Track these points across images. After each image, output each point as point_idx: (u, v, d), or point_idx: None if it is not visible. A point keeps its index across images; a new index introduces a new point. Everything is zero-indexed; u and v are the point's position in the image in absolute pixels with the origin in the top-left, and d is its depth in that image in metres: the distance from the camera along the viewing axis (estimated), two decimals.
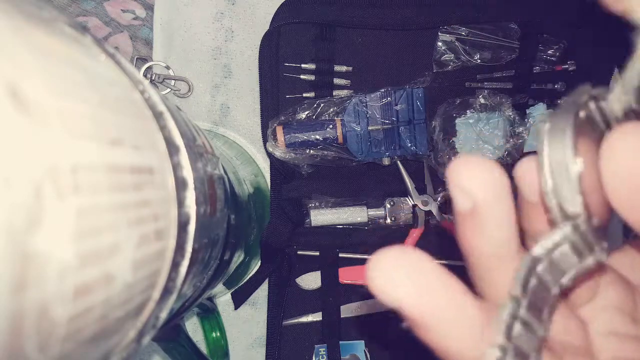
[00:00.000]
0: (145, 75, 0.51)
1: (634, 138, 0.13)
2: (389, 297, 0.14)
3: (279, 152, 0.48)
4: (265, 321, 0.50)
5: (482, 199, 0.14)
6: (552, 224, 0.15)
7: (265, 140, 0.49)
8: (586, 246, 0.15)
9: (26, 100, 0.13)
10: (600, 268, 0.17)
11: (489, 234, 0.15)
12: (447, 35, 0.49)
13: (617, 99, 0.15)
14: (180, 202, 0.21)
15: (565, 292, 0.17)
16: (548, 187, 0.14)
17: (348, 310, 0.50)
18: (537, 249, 0.15)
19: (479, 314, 0.15)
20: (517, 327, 0.14)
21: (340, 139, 0.48)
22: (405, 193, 0.50)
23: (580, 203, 0.14)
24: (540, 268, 0.15)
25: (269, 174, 0.51)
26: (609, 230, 0.16)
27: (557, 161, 0.14)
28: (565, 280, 0.15)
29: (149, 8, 0.52)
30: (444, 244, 0.51)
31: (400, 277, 0.14)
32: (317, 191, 0.51)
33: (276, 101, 0.50)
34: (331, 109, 0.49)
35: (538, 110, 0.50)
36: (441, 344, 0.15)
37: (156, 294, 0.20)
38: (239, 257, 0.43)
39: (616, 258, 0.19)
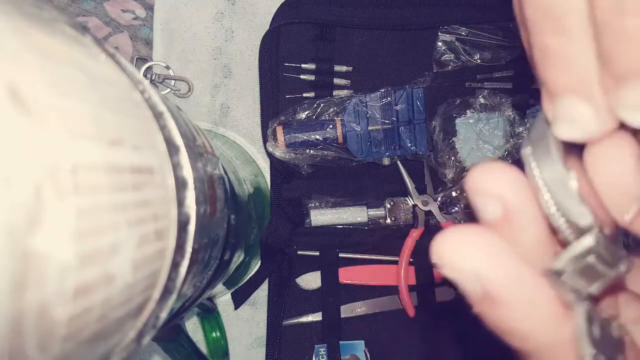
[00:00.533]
0: (145, 75, 0.51)
1: (614, 144, 0.14)
2: (465, 269, 0.14)
3: (279, 152, 0.48)
4: (265, 321, 0.50)
5: (513, 203, 0.14)
6: (564, 244, 0.15)
7: (265, 140, 0.49)
8: (609, 255, 0.14)
9: (26, 100, 0.13)
10: (619, 283, 0.17)
11: (523, 238, 0.15)
12: (447, 35, 0.49)
13: None
14: (180, 202, 0.21)
15: None
16: (551, 209, 0.14)
17: (348, 310, 0.50)
18: (558, 263, 0.14)
19: (554, 298, 0.14)
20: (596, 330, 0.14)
21: (340, 139, 0.48)
22: (405, 193, 0.50)
23: (589, 213, 0.14)
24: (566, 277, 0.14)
25: (269, 174, 0.51)
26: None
27: (552, 180, 0.14)
28: (593, 289, 0.14)
29: (149, 8, 0.52)
30: None
31: (479, 250, 0.14)
32: (317, 191, 0.51)
33: (276, 101, 0.50)
34: (331, 109, 0.49)
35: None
36: (515, 324, 0.14)
37: (156, 294, 0.20)
38: (239, 257, 0.43)
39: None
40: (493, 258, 0.14)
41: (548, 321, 0.14)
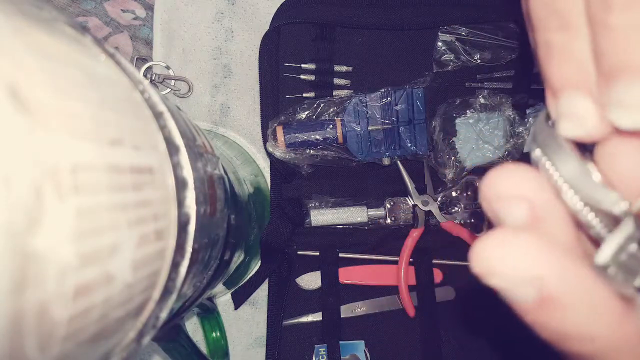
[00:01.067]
0: (145, 75, 0.51)
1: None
2: (517, 275, 0.13)
3: (279, 152, 0.48)
4: (265, 321, 0.50)
5: (540, 203, 0.13)
6: (597, 240, 0.14)
7: (265, 140, 0.49)
8: None
9: (26, 100, 0.13)
10: None
11: (557, 239, 0.14)
12: (447, 35, 0.49)
13: None
14: (180, 202, 0.21)
15: None
16: (578, 205, 0.13)
17: (348, 310, 0.50)
18: (602, 256, 0.13)
19: (613, 293, 0.13)
20: None
21: (340, 139, 0.48)
22: (405, 193, 0.50)
23: (620, 199, 0.13)
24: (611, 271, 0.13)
25: (269, 174, 0.51)
26: None
27: (572, 176, 0.14)
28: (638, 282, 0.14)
29: (149, 8, 0.52)
30: (444, 244, 0.51)
31: (529, 253, 0.13)
32: (317, 191, 0.51)
33: (276, 101, 0.50)
34: (331, 109, 0.49)
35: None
36: (576, 326, 0.13)
37: (156, 294, 0.20)
38: (239, 257, 0.43)
39: None
40: (546, 259, 0.13)
41: (611, 319, 0.13)
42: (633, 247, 0.13)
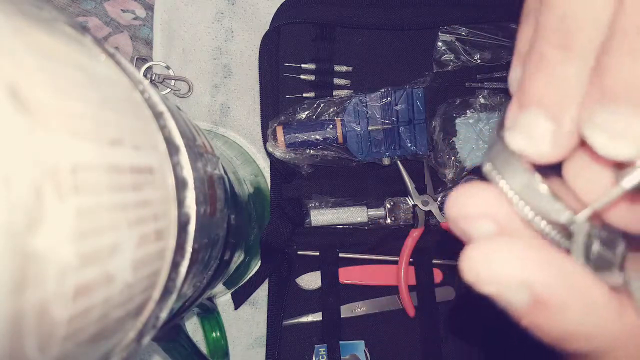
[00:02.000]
0: (145, 75, 0.51)
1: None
2: (508, 280, 0.13)
3: (279, 152, 0.48)
4: (265, 321, 0.50)
5: (502, 216, 0.14)
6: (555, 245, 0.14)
7: (265, 140, 0.49)
8: (608, 238, 0.14)
9: (26, 100, 0.13)
10: None
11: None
12: (447, 35, 0.49)
13: None
14: (180, 202, 0.21)
15: None
16: (529, 215, 0.14)
17: (348, 310, 0.50)
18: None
19: (608, 294, 0.13)
20: None
21: (340, 139, 0.48)
22: (405, 193, 0.50)
23: (565, 209, 0.14)
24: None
25: (269, 174, 0.51)
26: None
27: (521, 188, 0.14)
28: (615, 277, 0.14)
29: (149, 8, 0.52)
30: (443, 244, 0.51)
31: (517, 257, 0.13)
32: (317, 191, 0.51)
33: (276, 101, 0.50)
34: (331, 109, 0.49)
35: None
36: (574, 326, 0.13)
37: (156, 294, 0.20)
38: (239, 257, 0.43)
39: None
40: (535, 261, 0.13)
41: (607, 314, 0.13)
42: (596, 247, 0.14)
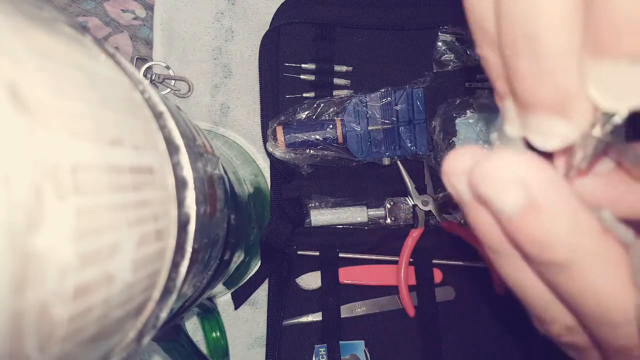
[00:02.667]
0: (145, 75, 0.51)
1: None
2: (510, 179, 0.13)
3: (279, 152, 0.48)
4: (265, 321, 0.50)
5: (540, 186, 0.13)
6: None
7: (265, 140, 0.49)
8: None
9: (26, 100, 0.13)
10: None
11: (560, 225, 0.14)
12: (447, 35, 0.49)
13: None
14: (180, 202, 0.21)
15: None
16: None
17: (348, 310, 0.50)
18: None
19: (593, 214, 0.14)
20: None
21: (340, 139, 0.48)
22: (405, 193, 0.50)
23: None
24: None
25: (269, 174, 0.51)
26: None
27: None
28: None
29: (149, 8, 0.52)
30: (443, 244, 0.51)
31: (524, 162, 0.13)
32: (317, 191, 0.51)
33: (276, 101, 0.50)
34: (331, 109, 0.49)
35: None
36: (553, 233, 0.14)
37: (156, 294, 0.20)
38: (239, 257, 0.43)
39: None
40: (535, 167, 0.13)
41: (590, 232, 0.14)
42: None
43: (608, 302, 0.14)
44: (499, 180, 0.14)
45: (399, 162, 0.50)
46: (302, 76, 0.50)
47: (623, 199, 0.16)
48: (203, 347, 0.48)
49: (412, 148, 0.49)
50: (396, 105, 0.49)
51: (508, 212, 0.14)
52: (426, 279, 0.50)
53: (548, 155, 0.15)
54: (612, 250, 0.14)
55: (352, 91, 0.50)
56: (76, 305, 0.14)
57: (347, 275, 0.50)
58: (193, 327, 0.51)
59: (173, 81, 0.51)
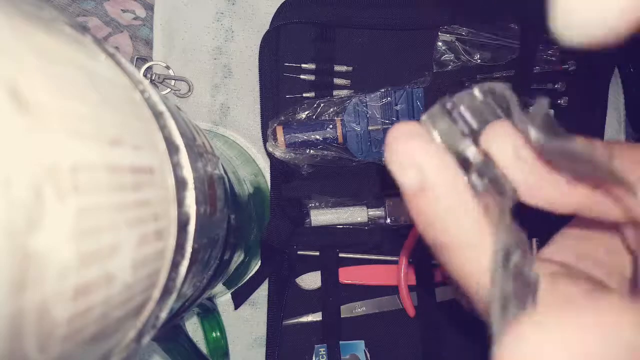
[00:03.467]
0: (145, 75, 0.51)
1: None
2: (410, 162, 0.16)
3: (279, 152, 0.48)
4: (265, 321, 0.50)
5: (429, 169, 0.16)
6: None
7: (265, 140, 0.49)
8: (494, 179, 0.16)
9: (26, 100, 0.13)
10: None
11: (446, 204, 0.16)
12: (447, 35, 0.49)
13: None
14: (180, 202, 0.21)
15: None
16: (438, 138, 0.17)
17: (348, 310, 0.50)
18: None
19: (476, 203, 0.16)
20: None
21: (340, 139, 0.48)
22: None
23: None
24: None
25: (269, 174, 0.51)
26: None
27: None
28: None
29: (149, 8, 0.52)
30: None
31: (424, 149, 0.16)
32: (317, 191, 0.51)
33: (276, 101, 0.50)
34: (331, 109, 0.49)
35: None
36: (439, 215, 0.16)
37: (156, 294, 0.20)
38: (239, 257, 0.43)
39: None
40: (432, 155, 0.16)
41: (469, 218, 0.16)
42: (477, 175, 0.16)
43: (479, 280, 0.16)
44: (403, 159, 0.16)
45: None
46: (302, 76, 0.50)
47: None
48: (203, 347, 0.48)
49: None
50: (396, 105, 0.49)
51: (408, 189, 0.16)
52: (426, 279, 0.50)
53: None
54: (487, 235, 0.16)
55: (352, 91, 0.50)
56: (76, 305, 0.14)
57: (347, 275, 0.50)
58: (193, 327, 0.51)
59: (173, 81, 0.51)
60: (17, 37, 0.14)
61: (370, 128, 0.49)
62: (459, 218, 0.16)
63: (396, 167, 0.16)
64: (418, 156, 0.16)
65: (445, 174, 0.15)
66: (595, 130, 0.51)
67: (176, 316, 0.32)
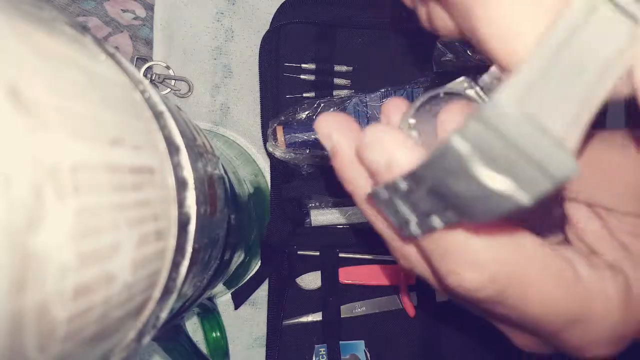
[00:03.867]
0: (145, 75, 0.51)
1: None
2: (327, 133, 0.22)
3: (279, 152, 0.48)
4: (265, 321, 0.50)
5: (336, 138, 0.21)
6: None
7: (265, 140, 0.49)
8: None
9: (26, 100, 0.13)
10: None
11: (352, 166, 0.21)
12: None
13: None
14: (181, 202, 0.21)
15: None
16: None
17: (348, 310, 0.50)
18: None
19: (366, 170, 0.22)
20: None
21: None
22: None
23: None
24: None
25: (269, 174, 0.51)
26: None
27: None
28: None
29: (149, 8, 0.52)
30: None
31: (333, 123, 0.22)
32: (317, 191, 0.51)
33: (276, 101, 0.49)
34: (331, 109, 0.49)
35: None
36: (343, 168, 0.23)
37: (156, 294, 0.20)
38: (239, 257, 0.43)
39: None
40: (340, 129, 0.21)
41: (364, 177, 0.22)
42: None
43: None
44: (323, 131, 0.22)
45: None
46: (302, 76, 0.50)
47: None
48: (203, 347, 0.48)
49: None
50: None
51: (330, 151, 0.22)
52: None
53: None
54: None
55: (352, 91, 0.50)
56: (76, 305, 0.14)
57: (347, 275, 0.50)
58: (193, 327, 0.51)
59: (173, 81, 0.51)
60: (17, 37, 0.14)
61: None
62: (357, 174, 0.22)
63: (321, 138, 0.22)
64: (331, 126, 0.21)
65: (345, 140, 0.21)
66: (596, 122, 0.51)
67: (176, 316, 0.32)
